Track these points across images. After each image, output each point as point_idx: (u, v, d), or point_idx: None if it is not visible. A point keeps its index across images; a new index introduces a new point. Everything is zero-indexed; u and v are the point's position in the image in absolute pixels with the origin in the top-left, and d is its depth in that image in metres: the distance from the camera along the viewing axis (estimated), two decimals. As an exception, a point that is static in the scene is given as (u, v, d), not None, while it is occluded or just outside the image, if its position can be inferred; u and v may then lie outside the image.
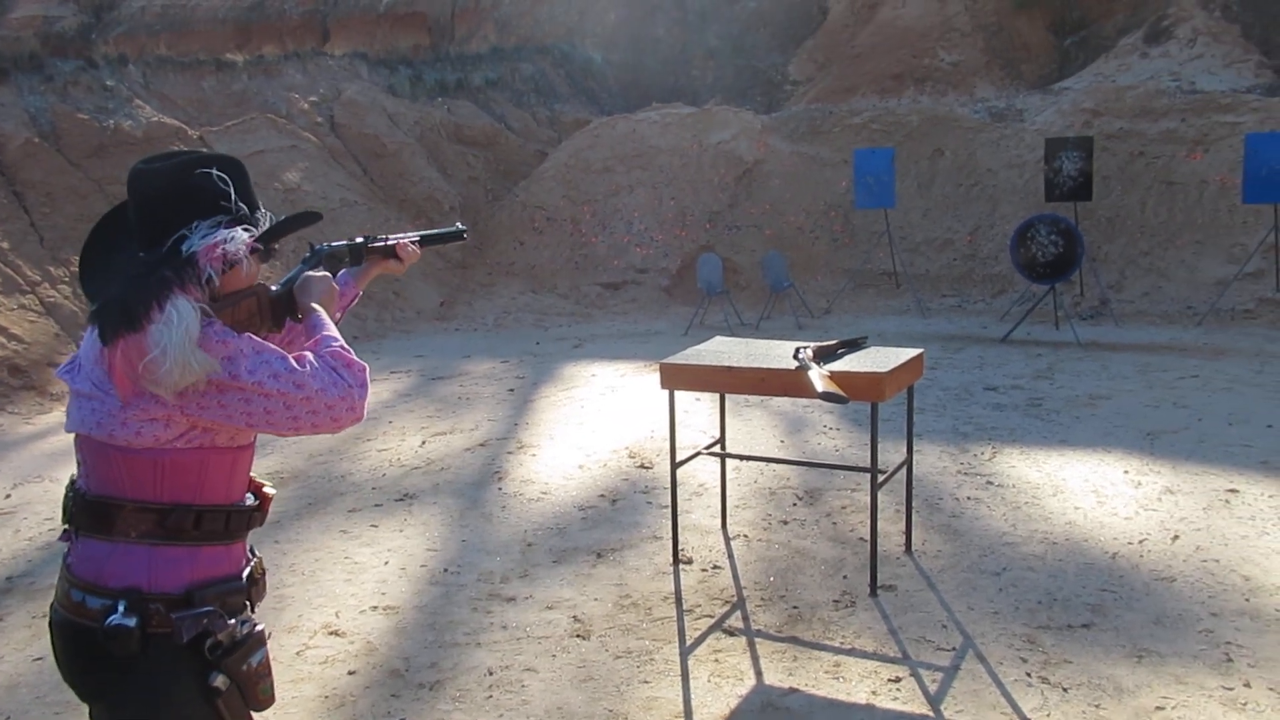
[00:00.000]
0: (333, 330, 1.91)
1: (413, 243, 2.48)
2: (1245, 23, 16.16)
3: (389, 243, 2.44)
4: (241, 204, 1.86)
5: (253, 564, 1.95)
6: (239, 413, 1.74)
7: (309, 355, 1.79)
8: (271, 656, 3.91)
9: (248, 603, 1.90)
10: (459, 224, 2.74)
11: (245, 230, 1.83)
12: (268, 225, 1.90)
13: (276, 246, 1.97)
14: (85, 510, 1.81)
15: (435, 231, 2.64)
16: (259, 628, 1.87)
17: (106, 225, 1.93)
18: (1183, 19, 16.46)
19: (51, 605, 1.87)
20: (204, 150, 1.93)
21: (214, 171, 1.83)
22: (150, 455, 1.76)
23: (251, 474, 2.01)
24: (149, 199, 1.82)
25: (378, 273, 2.46)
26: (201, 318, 1.74)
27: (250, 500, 1.95)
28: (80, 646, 1.79)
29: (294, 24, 25.55)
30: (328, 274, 2.12)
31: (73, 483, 1.87)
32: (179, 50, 19.04)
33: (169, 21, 26.55)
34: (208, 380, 1.71)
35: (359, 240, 2.39)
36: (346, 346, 1.86)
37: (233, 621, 1.82)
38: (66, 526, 1.87)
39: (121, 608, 1.73)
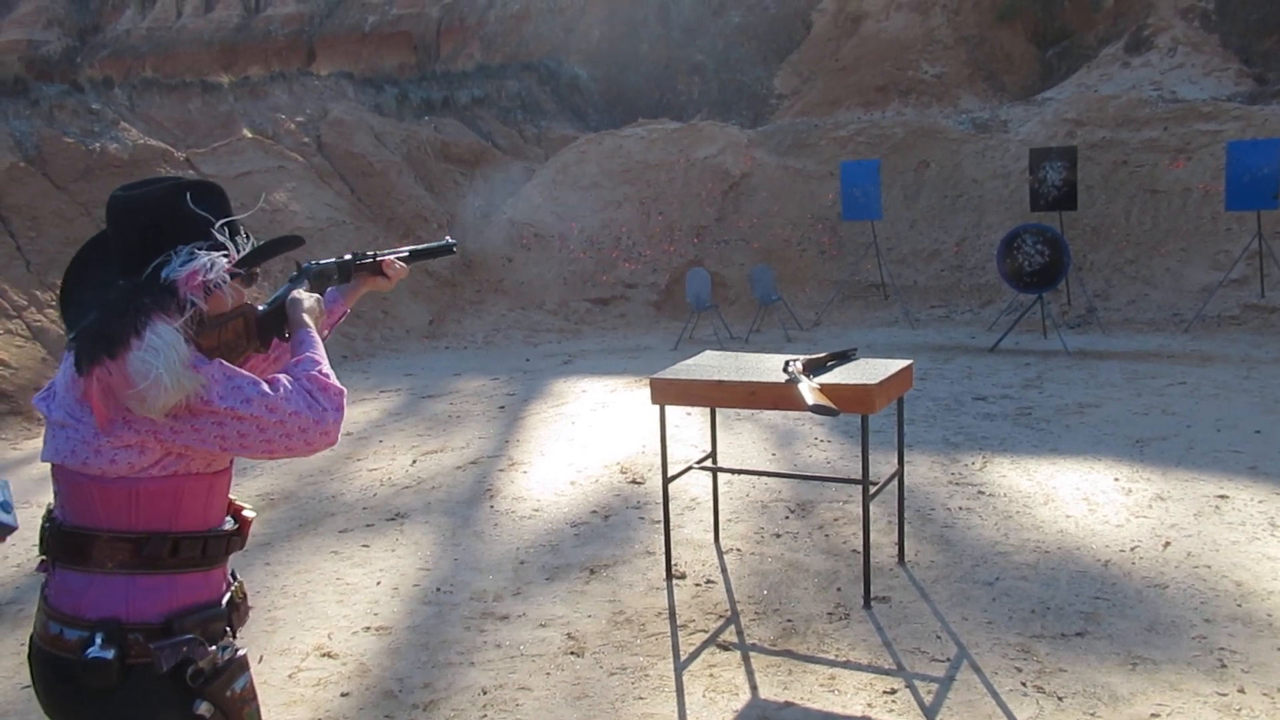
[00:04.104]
0: (317, 351, 1.90)
1: (401, 259, 2.46)
2: (1224, 32, 16.34)
3: (376, 259, 2.43)
4: (222, 229, 1.85)
5: (233, 588, 1.93)
6: (212, 436, 1.73)
7: (282, 378, 1.79)
8: (263, 680, 3.88)
9: (228, 628, 1.87)
10: (448, 238, 2.70)
11: (224, 256, 1.82)
12: (249, 249, 1.89)
13: (259, 270, 1.95)
14: (61, 541, 1.79)
15: (424, 246, 2.61)
16: (241, 652, 1.85)
17: (87, 253, 1.92)
18: (1162, 29, 16.63)
19: (31, 636, 1.85)
20: (184, 176, 1.93)
21: (189, 196, 1.82)
22: (125, 484, 1.74)
23: (232, 497, 1.99)
24: (128, 226, 1.81)
25: (366, 290, 2.44)
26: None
27: (229, 524, 1.92)
28: (59, 679, 1.77)
29: (279, 45, 25.61)
30: (314, 294, 2.11)
31: (49, 513, 1.85)
32: (165, 72, 19.05)
33: (154, 44, 26.57)
34: (183, 406, 1.70)
35: (347, 258, 2.38)
36: (327, 370, 1.85)
37: (213, 648, 1.79)
38: (43, 557, 1.85)
39: (99, 640, 1.71)
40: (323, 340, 2.28)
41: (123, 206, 1.81)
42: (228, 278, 1.81)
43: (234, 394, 1.73)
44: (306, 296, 2.07)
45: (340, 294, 2.39)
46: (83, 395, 1.73)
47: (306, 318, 2.01)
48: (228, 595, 1.90)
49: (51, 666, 1.78)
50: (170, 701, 1.75)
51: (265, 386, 1.75)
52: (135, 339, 1.67)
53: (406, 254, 2.50)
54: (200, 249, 1.80)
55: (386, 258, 2.42)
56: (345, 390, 1.86)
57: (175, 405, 1.69)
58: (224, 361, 1.78)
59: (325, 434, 1.77)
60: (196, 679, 1.76)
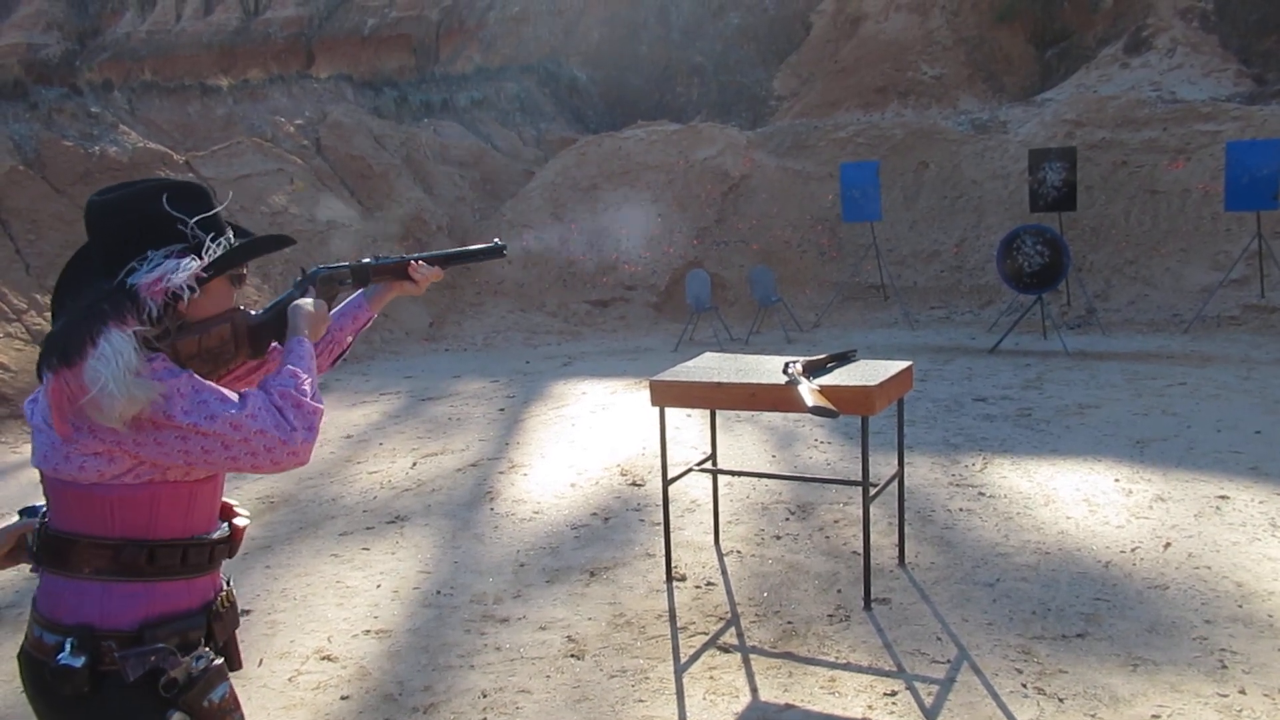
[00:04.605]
0: (303, 365, 1.86)
1: (438, 261, 2.29)
2: (1223, 32, 16.34)
3: (402, 261, 2.26)
4: (199, 231, 1.81)
5: (219, 597, 1.89)
6: (176, 450, 1.71)
7: (254, 394, 1.76)
8: (263, 683, 3.88)
9: (207, 637, 1.84)
10: (496, 240, 2.50)
11: (195, 259, 1.77)
12: (220, 251, 1.83)
13: (244, 271, 1.91)
14: (46, 545, 1.79)
15: (468, 249, 2.41)
16: (217, 662, 1.81)
17: (79, 258, 1.90)
18: (1161, 29, 16.63)
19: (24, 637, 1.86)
20: (165, 177, 1.89)
21: (166, 199, 1.79)
22: (99, 491, 1.73)
23: (232, 501, 1.97)
24: (102, 231, 1.79)
25: (394, 295, 2.31)
26: (144, 352, 1.70)
27: (220, 531, 1.89)
28: (40, 682, 1.76)
29: (279, 47, 25.62)
30: (320, 300, 2.05)
31: (42, 516, 1.85)
32: (164, 75, 19.05)
33: (154, 47, 26.59)
34: (143, 418, 1.67)
35: (365, 261, 2.23)
36: (306, 387, 1.81)
37: (186, 658, 1.76)
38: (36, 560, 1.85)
39: (69, 646, 1.70)
40: (347, 347, 2.23)
41: (99, 210, 1.80)
42: (194, 282, 1.76)
43: (199, 409, 1.70)
44: (307, 303, 2.01)
45: (365, 298, 2.27)
46: (48, 402, 1.72)
47: (304, 325, 1.96)
48: (212, 603, 1.87)
49: (33, 669, 1.78)
50: (143, 711, 1.73)
51: (234, 402, 1.72)
52: (90, 346, 1.65)
53: (446, 256, 2.33)
54: (175, 252, 1.77)
55: (412, 260, 2.26)
56: (322, 409, 1.82)
57: (131, 415, 1.65)
58: (194, 374, 1.75)
59: (293, 454, 1.74)
60: (169, 689, 1.73)
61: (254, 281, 11.42)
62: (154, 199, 1.79)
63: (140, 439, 1.70)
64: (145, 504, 1.75)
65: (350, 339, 2.24)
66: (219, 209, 1.89)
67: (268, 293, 11.51)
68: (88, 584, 1.75)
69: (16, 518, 1.93)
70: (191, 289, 1.75)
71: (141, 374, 1.66)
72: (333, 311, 2.21)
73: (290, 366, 1.84)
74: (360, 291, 2.27)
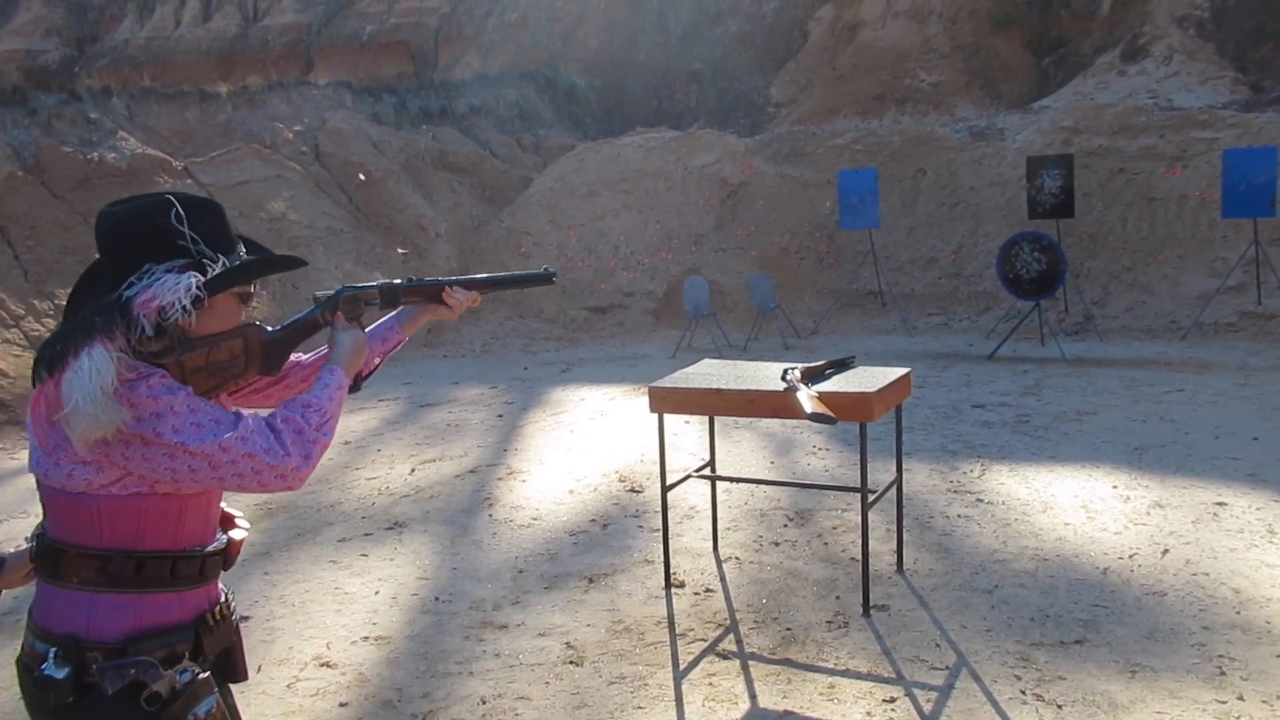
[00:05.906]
0: (324, 396, 1.86)
1: (477, 286, 2.22)
2: (1219, 40, 16.39)
3: (439, 283, 2.18)
4: (205, 247, 1.79)
5: (213, 609, 1.88)
6: (163, 467, 1.69)
7: (250, 416, 1.75)
8: (261, 690, 3.88)
9: (195, 650, 1.82)
10: (546, 267, 2.41)
11: (195, 276, 1.75)
12: (219, 269, 1.81)
13: (252, 289, 1.90)
14: (40, 554, 1.79)
15: (514, 275, 2.32)
16: (202, 676, 1.78)
17: (92, 272, 1.89)
18: (1158, 37, 16.68)
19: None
20: (175, 191, 1.87)
21: (173, 213, 1.78)
22: (87, 500, 1.71)
23: (233, 511, 1.96)
24: (108, 243, 1.79)
25: (428, 319, 2.24)
26: (142, 368, 1.69)
27: (216, 543, 1.88)
28: (27, 691, 1.77)
29: (277, 54, 25.65)
30: (360, 332, 2.04)
31: (40, 525, 1.85)
32: (163, 82, 19.07)
33: (152, 53, 26.62)
34: (131, 433, 1.66)
35: (395, 282, 2.16)
36: (317, 418, 1.80)
37: (170, 671, 1.74)
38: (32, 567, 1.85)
39: (52, 656, 1.69)
40: (374, 369, 2.22)
41: (106, 221, 1.79)
42: (188, 300, 1.72)
43: (190, 429, 1.68)
44: (349, 336, 2.01)
45: (398, 321, 2.22)
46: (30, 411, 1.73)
47: (344, 359, 1.97)
48: (204, 616, 1.85)
49: (24, 677, 1.78)
50: None
51: (227, 424, 1.71)
52: (73, 359, 1.64)
53: (488, 281, 2.24)
54: (177, 268, 1.76)
55: (446, 284, 2.19)
56: (325, 441, 1.80)
57: (94, 438, 1.63)
58: (192, 392, 1.73)
59: (281, 477, 1.72)
60: (152, 703, 1.71)
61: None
62: (161, 213, 1.78)
63: (129, 452, 1.68)
64: (133, 515, 1.74)
65: (379, 360, 2.23)
66: (230, 225, 1.88)
67: (266, 299, 11.51)
68: (77, 594, 1.74)
69: (23, 543, 1.93)
70: (184, 307, 1.71)
71: (115, 395, 1.63)
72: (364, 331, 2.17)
73: (308, 396, 1.84)
74: (394, 314, 2.24)
